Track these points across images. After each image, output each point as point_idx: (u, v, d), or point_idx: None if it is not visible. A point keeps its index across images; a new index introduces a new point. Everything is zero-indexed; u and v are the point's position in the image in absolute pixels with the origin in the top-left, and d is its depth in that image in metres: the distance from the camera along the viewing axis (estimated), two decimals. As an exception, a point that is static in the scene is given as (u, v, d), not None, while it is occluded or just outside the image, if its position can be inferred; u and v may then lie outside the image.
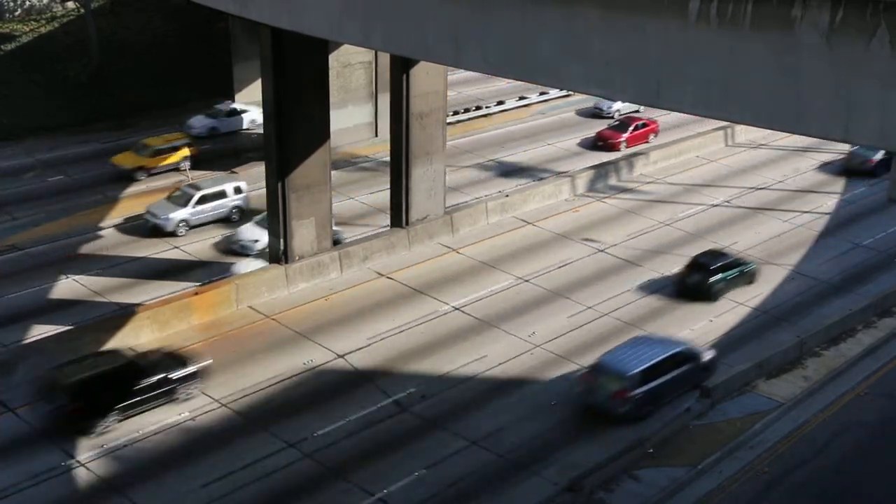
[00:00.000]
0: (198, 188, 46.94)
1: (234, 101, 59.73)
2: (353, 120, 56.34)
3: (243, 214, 47.14)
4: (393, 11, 28.00)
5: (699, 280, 41.62)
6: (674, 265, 44.42)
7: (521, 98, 65.08)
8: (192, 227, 46.01)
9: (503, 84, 66.83)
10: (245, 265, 42.18)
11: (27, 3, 61.97)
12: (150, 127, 56.99)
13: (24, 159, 52.66)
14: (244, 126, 58.44)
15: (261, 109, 56.54)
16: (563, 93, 65.12)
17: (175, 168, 51.98)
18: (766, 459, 31.86)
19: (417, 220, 45.37)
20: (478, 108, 63.22)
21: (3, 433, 31.95)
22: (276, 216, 40.73)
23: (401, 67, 42.79)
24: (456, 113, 60.55)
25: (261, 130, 53.53)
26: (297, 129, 39.42)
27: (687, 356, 34.75)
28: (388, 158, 45.97)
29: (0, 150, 53.64)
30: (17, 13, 61.62)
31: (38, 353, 35.00)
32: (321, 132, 40.36)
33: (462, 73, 63.24)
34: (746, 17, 18.96)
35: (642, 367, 33.17)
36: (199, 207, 46.26)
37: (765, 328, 39.89)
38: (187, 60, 62.09)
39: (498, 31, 24.56)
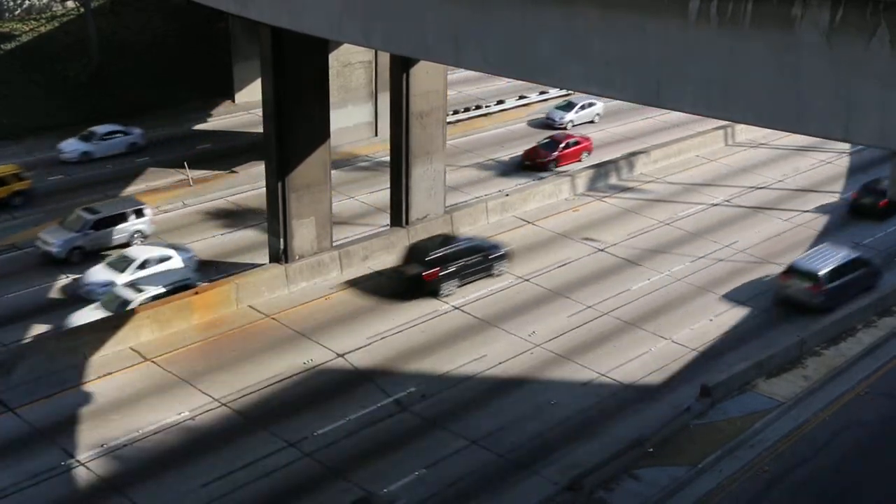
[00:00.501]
0: (94, 211, 43.68)
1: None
2: (353, 119, 56.33)
3: (146, 239, 44.45)
4: (393, 11, 27.99)
5: (872, 201, 50.35)
6: (673, 264, 44.52)
7: (521, 97, 65.08)
8: (87, 253, 42.53)
9: (503, 83, 66.83)
10: (82, 316, 37.26)
11: (27, 2, 61.97)
12: (149, 126, 57.11)
13: (24, 159, 52.54)
14: (124, 149, 54.13)
15: (143, 132, 54.84)
16: (563, 92, 65.03)
17: (4, 203, 47.04)
18: (767, 458, 31.86)
19: (417, 219, 45.36)
20: (478, 107, 63.23)
21: (3, 433, 31.97)
22: (276, 216, 40.72)
23: (401, 67, 42.79)
24: (456, 112, 60.54)
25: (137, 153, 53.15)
26: (297, 128, 39.42)
27: (863, 261, 42.27)
28: (387, 158, 45.96)
29: (0, 150, 53.65)
30: (17, 13, 61.62)
31: (37, 352, 35.03)
32: (321, 132, 40.37)
33: (462, 73, 63.22)
34: (746, 17, 18.96)
35: (831, 268, 40.63)
36: (95, 233, 43.01)
37: (765, 327, 39.92)
38: (187, 60, 62.09)
39: (498, 30, 24.56)
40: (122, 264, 40.51)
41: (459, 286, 41.52)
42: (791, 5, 18.16)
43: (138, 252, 41.36)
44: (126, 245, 43.51)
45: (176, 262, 41.03)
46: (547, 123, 61.66)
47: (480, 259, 42.45)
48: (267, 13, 34.63)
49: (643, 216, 49.76)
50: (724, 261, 45.27)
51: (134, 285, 38.50)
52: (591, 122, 62.39)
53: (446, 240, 42.85)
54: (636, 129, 61.58)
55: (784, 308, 40.99)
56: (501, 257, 43.21)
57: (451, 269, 41.24)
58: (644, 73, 21.34)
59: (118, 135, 54.50)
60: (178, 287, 38.66)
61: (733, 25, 19.19)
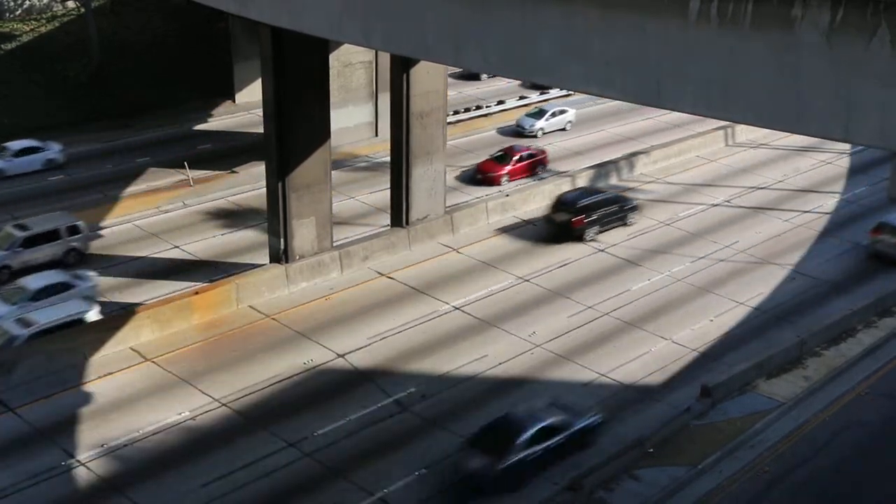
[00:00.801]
0: (25, 228, 41.77)
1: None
2: (354, 119, 56.34)
3: (82, 258, 42.52)
4: (393, 11, 28.00)
5: None
6: (674, 265, 44.52)
7: (521, 98, 65.06)
8: (15, 272, 40.60)
9: (503, 83, 66.81)
10: None
11: (27, 2, 61.99)
12: (149, 127, 57.10)
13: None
14: (40, 166, 51.09)
15: (61, 147, 52.13)
16: (564, 92, 64.99)
17: None
18: (767, 459, 31.86)
19: (418, 219, 45.36)
20: (478, 107, 63.22)
21: (3, 433, 31.97)
22: (276, 216, 40.73)
23: (401, 67, 42.77)
24: (456, 112, 60.53)
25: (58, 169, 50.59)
26: (297, 128, 39.43)
27: None
28: (388, 158, 45.96)
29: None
30: (17, 13, 61.65)
31: (37, 352, 35.02)
32: (321, 132, 40.37)
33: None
34: (747, 17, 18.96)
35: None
36: (25, 251, 41.16)
37: (765, 328, 39.91)
38: (187, 60, 62.11)
39: (498, 30, 24.56)
40: (14, 296, 38.06)
41: (599, 232, 46.46)
42: (791, 5, 18.16)
43: (33, 282, 38.67)
44: (62, 263, 41.73)
45: (75, 291, 38.66)
46: (517, 131, 59.80)
47: (617, 209, 47.35)
48: (267, 13, 34.63)
49: (643, 216, 49.72)
50: (724, 261, 45.27)
51: (22, 319, 35.99)
52: (563, 129, 60.69)
53: (588, 191, 48.15)
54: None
55: (874, 262, 45.25)
56: (633, 208, 48.22)
57: (594, 216, 46.27)
58: (644, 73, 21.34)
59: (34, 151, 51.45)
60: (71, 321, 36.27)
61: (733, 25, 19.19)
